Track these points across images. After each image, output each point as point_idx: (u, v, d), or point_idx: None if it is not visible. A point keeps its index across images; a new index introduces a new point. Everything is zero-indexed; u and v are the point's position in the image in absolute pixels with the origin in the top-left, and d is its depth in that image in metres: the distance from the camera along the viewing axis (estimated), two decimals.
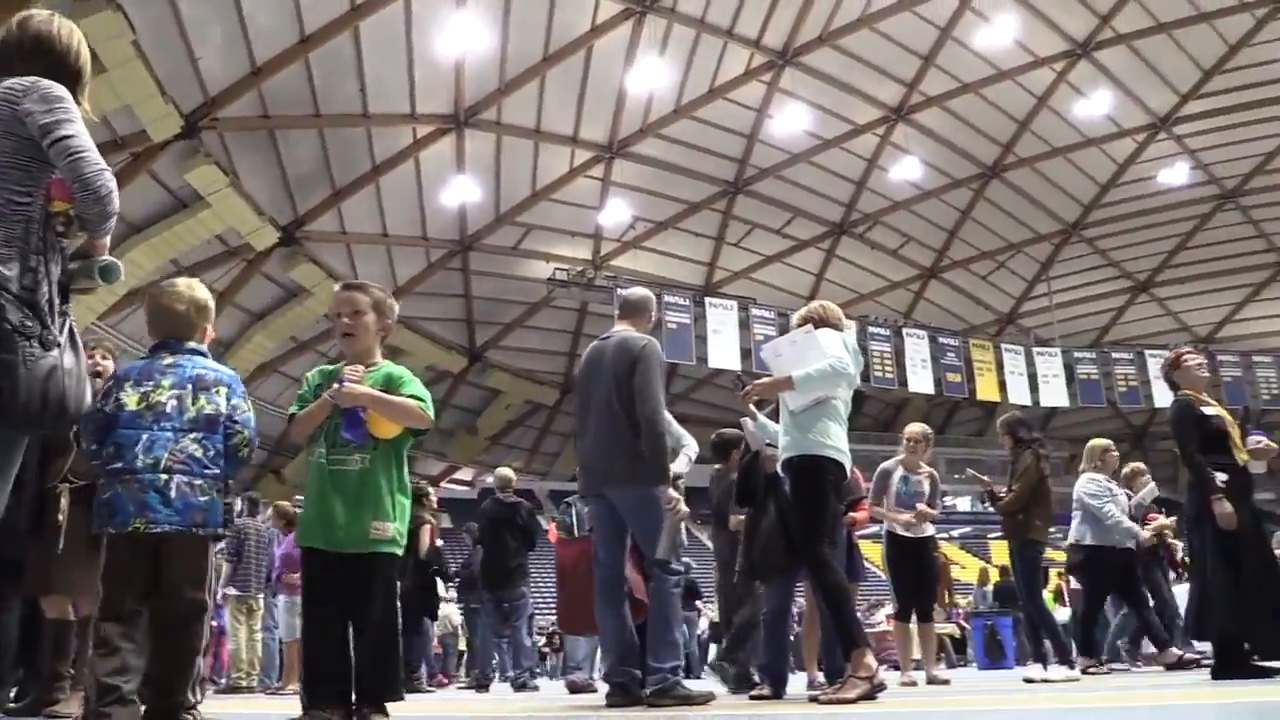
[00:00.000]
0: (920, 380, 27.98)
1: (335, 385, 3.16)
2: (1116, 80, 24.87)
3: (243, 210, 20.82)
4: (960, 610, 18.91)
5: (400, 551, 3.18)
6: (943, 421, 37.46)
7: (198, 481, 2.91)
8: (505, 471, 9.59)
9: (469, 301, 28.76)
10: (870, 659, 4.30)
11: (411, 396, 3.20)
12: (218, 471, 2.98)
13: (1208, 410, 5.71)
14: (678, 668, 4.56)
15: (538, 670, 16.50)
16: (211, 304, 3.34)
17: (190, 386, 3.02)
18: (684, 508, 5.64)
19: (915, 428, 7.88)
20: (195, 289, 3.26)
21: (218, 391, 3.06)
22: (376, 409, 3.14)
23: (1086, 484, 7.70)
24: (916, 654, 7.88)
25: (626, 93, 23.40)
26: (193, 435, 2.96)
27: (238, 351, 24.12)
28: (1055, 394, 29.26)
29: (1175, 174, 27.47)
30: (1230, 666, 5.54)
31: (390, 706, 3.18)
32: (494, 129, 23.38)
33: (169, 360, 3.08)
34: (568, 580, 5.87)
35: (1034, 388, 28.90)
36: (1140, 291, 32.74)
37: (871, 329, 27.66)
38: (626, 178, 25.91)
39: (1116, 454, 8.01)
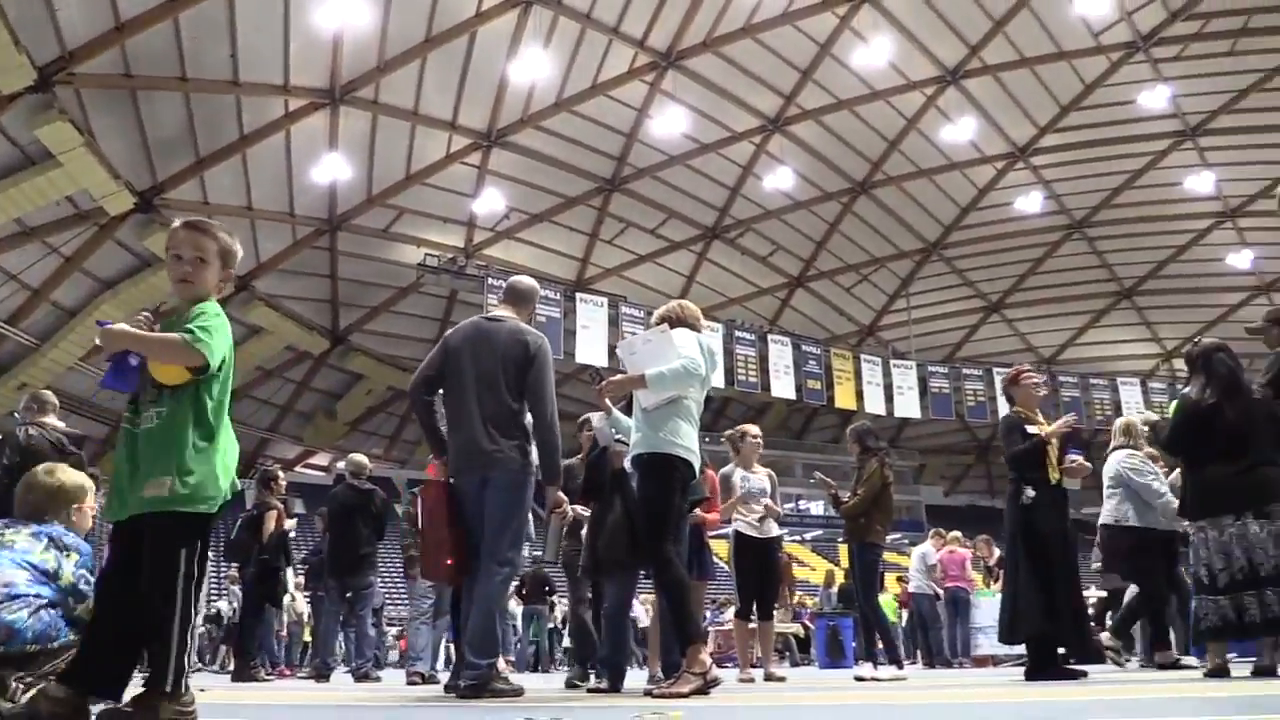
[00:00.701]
0: (782, 385, 28.64)
1: (97, 325, 2.80)
2: (981, 109, 25.96)
3: (97, 172, 19.78)
4: (807, 610, 19.46)
5: (192, 510, 2.67)
6: (801, 427, 38.47)
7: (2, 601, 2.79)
8: (359, 457, 9.42)
9: (334, 282, 28.09)
10: (705, 655, 4.41)
11: (189, 330, 2.69)
12: (36, 604, 2.85)
13: (1031, 429, 6.25)
14: (494, 664, 4.55)
15: (385, 661, 16.23)
16: (84, 486, 3.31)
17: (47, 539, 3.00)
18: (569, 509, 5.68)
19: (742, 427, 8.13)
20: (61, 473, 3.29)
21: (69, 556, 2.98)
22: (138, 348, 2.71)
23: (1126, 459, 7.37)
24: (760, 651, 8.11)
25: (508, 82, 23.21)
26: (27, 575, 2.89)
27: (84, 320, 22.97)
28: (909, 405, 30.35)
29: (1030, 202, 28.84)
30: (1042, 667, 5.98)
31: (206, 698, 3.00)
32: (370, 108, 22.88)
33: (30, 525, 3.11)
34: (426, 524, 5.48)
35: (889, 398, 29.91)
36: (992, 311, 34.26)
37: (738, 333, 28.19)
38: (503, 167, 25.72)
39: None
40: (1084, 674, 6.38)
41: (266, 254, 25.53)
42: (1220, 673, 5.51)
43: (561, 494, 5.15)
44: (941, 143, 26.99)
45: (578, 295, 25.97)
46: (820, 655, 14.81)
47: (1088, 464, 6.51)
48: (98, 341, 2.75)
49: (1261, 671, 5.55)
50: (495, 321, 4.97)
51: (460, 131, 24.50)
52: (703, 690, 4.25)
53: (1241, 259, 30.53)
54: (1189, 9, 23.21)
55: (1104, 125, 26.54)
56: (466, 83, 23.11)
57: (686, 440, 4.64)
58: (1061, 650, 6.29)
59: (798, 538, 37.42)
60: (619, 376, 4.81)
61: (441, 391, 4.94)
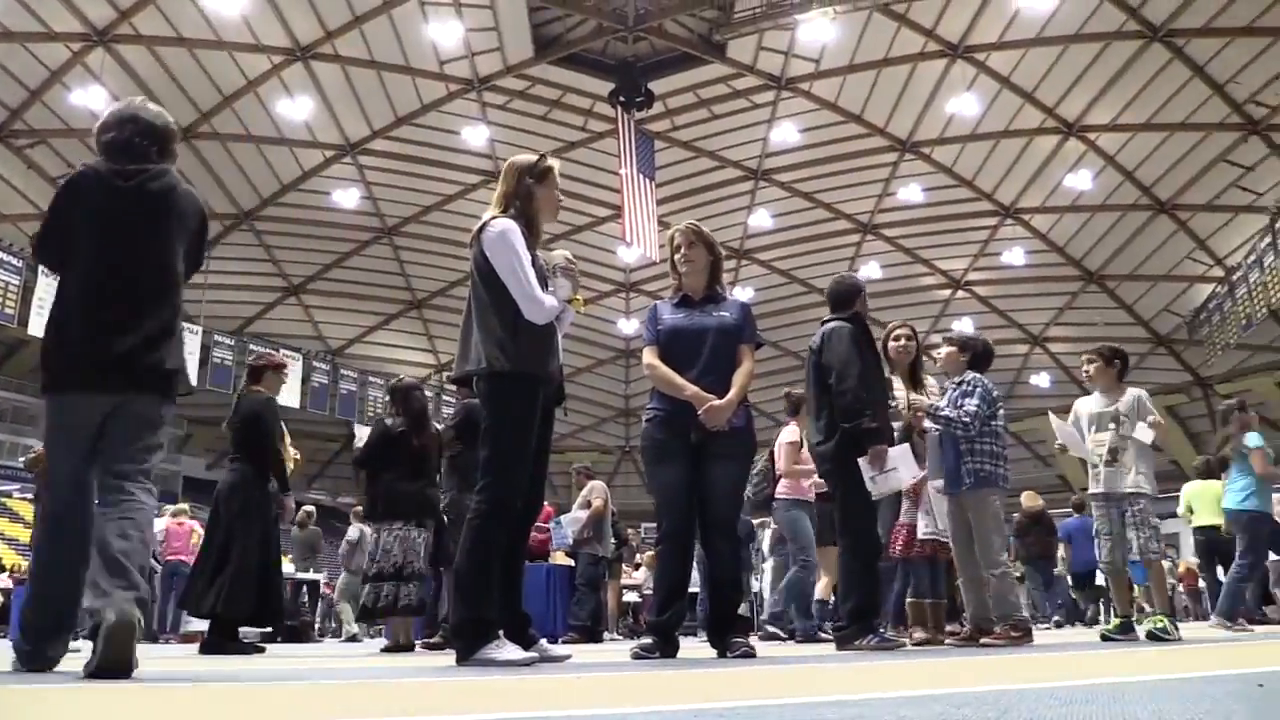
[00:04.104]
0: (40, 325, 25.55)
1: None
2: (323, 94, 26.11)
3: None
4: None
5: None
6: None
7: None
8: None
9: None
10: None
11: None
12: None
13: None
14: None
15: None
16: None
17: None
18: None
19: None
20: None
21: None
22: None
23: None
24: None
25: None
26: None
27: None
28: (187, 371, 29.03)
29: (348, 197, 29.66)
30: (220, 643, 7.08)
31: None
32: None
33: None
34: None
35: None
36: (291, 294, 34.31)
37: (2, 255, 24.71)
38: None
39: None
40: (263, 649, 7.18)
41: None
42: (399, 649, 7.35)
43: None
44: (277, 114, 26.55)
45: None
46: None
47: (299, 455, 8.08)
48: None
49: (390, 649, 7.43)
50: None
51: None
52: None
53: None
54: (520, 68, 26.05)
55: (430, 146, 28.39)
56: None
57: None
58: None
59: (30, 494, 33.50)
60: None
61: None
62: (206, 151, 27.57)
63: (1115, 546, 6.77)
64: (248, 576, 7.13)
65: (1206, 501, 13.00)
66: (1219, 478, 10.48)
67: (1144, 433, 6.70)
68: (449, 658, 4.73)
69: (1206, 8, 21.70)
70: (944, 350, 7.11)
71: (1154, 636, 6.33)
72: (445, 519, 8.09)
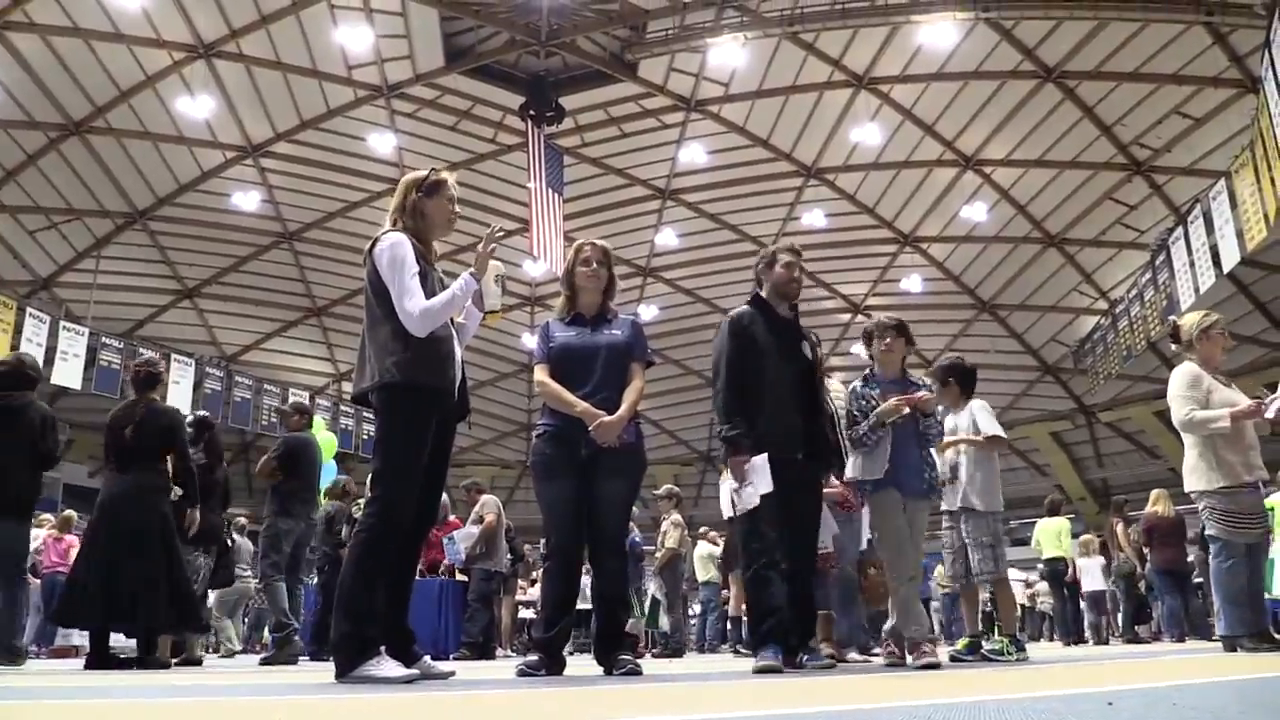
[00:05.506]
0: None
1: None
2: (226, 93, 25.46)
3: None
4: None
5: None
6: None
7: None
8: None
9: None
10: None
11: None
12: None
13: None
14: None
15: None
16: None
17: None
18: None
19: None
20: None
21: None
22: None
23: None
24: None
25: None
26: None
27: None
28: (71, 374, 27.86)
29: (248, 200, 28.94)
30: (100, 660, 6.91)
31: None
32: None
33: None
34: None
35: (50, 361, 27.18)
36: (185, 297, 33.27)
37: None
38: None
39: None
40: (135, 665, 6.96)
41: None
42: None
43: None
44: (176, 112, 25.75)
45: None
46: None
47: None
48: None
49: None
50: None
51: None
52: None
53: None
54: (430, 77, 25.82)
55: (335, 152, 27.90)
56: None
57: None
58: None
59: None
60: None
61: None
62: (100, 147, 26.66)
63: (957, 561, 6.91)
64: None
65: (1049, 537, 14.99)
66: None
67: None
68: (325, 673, 4.65)
69: (1097, 52, 22.67)
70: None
71: (987, 658, 6.43)
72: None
